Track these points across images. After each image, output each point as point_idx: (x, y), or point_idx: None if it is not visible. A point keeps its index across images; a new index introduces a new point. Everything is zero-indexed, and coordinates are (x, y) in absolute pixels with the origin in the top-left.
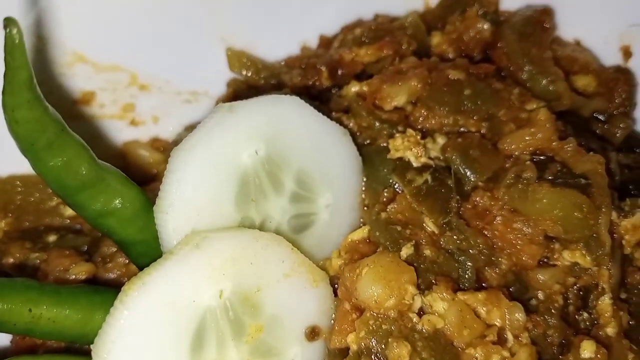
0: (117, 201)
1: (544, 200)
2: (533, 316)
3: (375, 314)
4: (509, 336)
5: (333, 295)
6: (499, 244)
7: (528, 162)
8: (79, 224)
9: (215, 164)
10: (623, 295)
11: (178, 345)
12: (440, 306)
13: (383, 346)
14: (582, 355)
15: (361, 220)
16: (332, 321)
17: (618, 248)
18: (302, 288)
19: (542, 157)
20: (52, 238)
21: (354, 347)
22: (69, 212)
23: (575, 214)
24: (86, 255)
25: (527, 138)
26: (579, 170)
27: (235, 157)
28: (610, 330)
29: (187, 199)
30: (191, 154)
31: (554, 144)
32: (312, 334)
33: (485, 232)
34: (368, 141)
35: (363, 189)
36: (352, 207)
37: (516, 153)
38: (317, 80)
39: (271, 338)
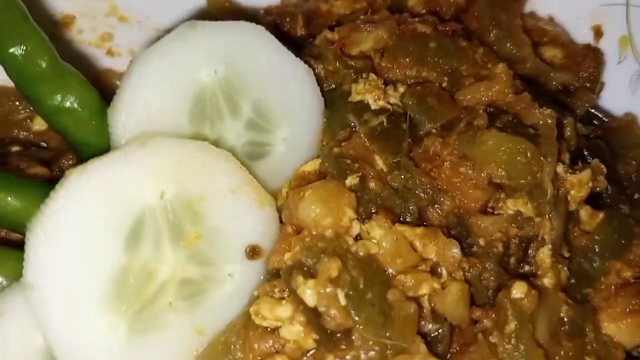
0: (74, 100)
1: (490, 143)
2: (471, 259)
3: (312, 233)
4: (443, 272)
5: (278, 221)
6: (445, 186)
7: (481, 112)
8: (44, 141)
9: (172, 74)
10: (566, 255)
11: (113, 236)
12: (377, 233)
13: (315, 261)
14: (512, 295)
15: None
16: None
17: (562, 202)
18: (248, 207)
19: (495, 109)
20: (15, 148)
21: (288, 263)
22: (36, 127)
23: (519, 158)
24: (46, 165)
25: (483, 90)
26: (529, 121)
27: (193, 72)
28: (547, 281)
29: (141, 104)
30: (149, 62)
31: (509, 97)
32: (253, 253)
33: (432, 175)
34: (333, 86)
35: (322, 129)
36: (310, 145)
37: (471, 104)
38: (292, 27)
39: (210, 249)
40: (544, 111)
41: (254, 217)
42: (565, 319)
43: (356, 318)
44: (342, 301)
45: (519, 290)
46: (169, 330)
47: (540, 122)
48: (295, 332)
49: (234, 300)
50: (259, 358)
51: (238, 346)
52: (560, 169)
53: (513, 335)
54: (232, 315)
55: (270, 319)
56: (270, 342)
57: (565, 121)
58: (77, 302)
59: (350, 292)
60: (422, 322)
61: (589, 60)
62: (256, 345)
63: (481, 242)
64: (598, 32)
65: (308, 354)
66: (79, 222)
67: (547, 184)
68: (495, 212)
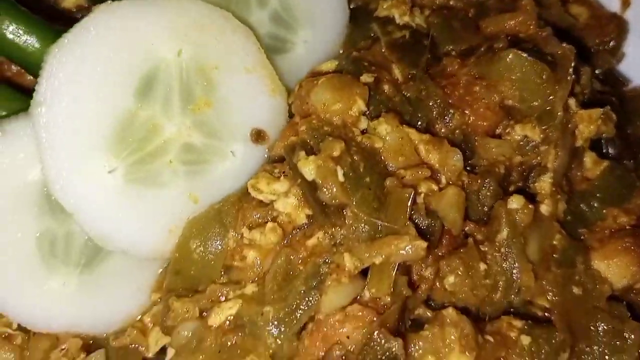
0: None
1: (507, 59)
2: (471, 175)
3: (320, 117)
4: (442, 179)
5: (287, 114)
6: (456, 103)
7: (502, 37)
8: None
9: None
10: (565, 190)
11: (127, 79)
12: (384, 129)
13: (319, 140)
14: (509, 206)
15: None
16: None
17: (570, 135)
18: (259, 91)
19: (516, 38)
20: None
21: (292, 140)
22: None
23: (534, 78)
24: None
25: (506, 20)
26: (548, 51)
27: None
28: (544, 208)
29: None
30: None
31: (531, 29)
32: (257, 137)
33: (446, 91)
34: (360, 4)
35: (344, 40)
36: (329, 53)
37: (494, 32)
38: None
39: (216, 121)
40: (564, 45)
41: (264, 102)
42: (557, 247)
43: (351, 196)
44: (340, 177)
45: (515, 201)
46: (165, 190)
47: (559, 52)
48: (289, 204)
49: (231, 178)
50: (250, 225)
51: (231, 214)
52: (571, 101)
53: (504, 244)
54: (228, 191)
55: (266, 193)
56: (263, 213)
57: (582, 69)
58: (80, 133)
59: (349, 173)
60: (415, 215)
61: (612, 26)
62: (248, 214)
63: (484, 163)
64: (625, 2)
65: (298, 230)
66: (96, 56)
67: (557, 108)
68: (502, 139)
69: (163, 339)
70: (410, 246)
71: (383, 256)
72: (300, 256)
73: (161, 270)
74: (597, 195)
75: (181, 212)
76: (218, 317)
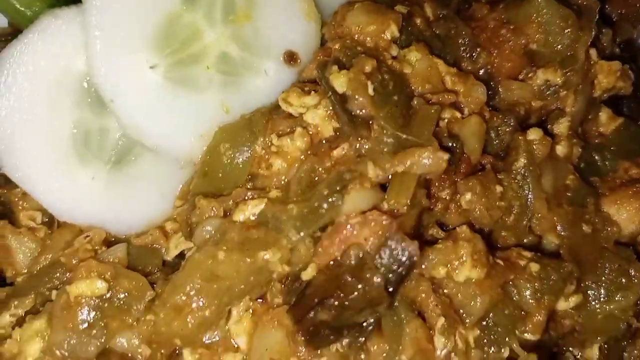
0: None
1: (536, 3)
2: (493, 112)
3: (354, 39)
4: (465, 110)
5: (319, 41)
6: (484, 44)
7: None
8: None
9: None
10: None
11: None
12: (414, 56)
13: (352, 58)
14: (528, 137)
15: None
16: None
17: (589, 84)
18: (295, 14)
19: None
20: None
21: (325, 59)
22: None
23: (560, 22)
24: None
25: None
26: (573, 1)
27: None
28: (560, 149)
29: None
30: None
31: None
32: (290, 58)
33: (474, 32)
34: None
35: None
36: None
37: None
38: None
39: (253, 36)
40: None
41: (299, 26)
42: (569, 187)
43: (379, 110)
44: (370, 91)
45: (534, 133)
46: (200, 94)
47: (584, 3)
48: (318, 115)
49: (262, 95)
50: (279, 133)
51: (260, 124)
52: (592, 52)
53: (520, 172)
54: (257, 106)
55: (296, 106)
56: (292, 123)
57: (604, 30)
58: (127, 27)
59: (379, 89)
60: (437, 135)
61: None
62: (277, 124)
63: (504, 104)
64: None
65: (325, 142)
66: None
67: (579, 54)
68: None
69: (183, 244)
70: (432, 157)
71: (405, 166)
72: (325, 165)
73: (187, 180)
74: (611, 148)
75: (213, 119)
76: (243, 214)
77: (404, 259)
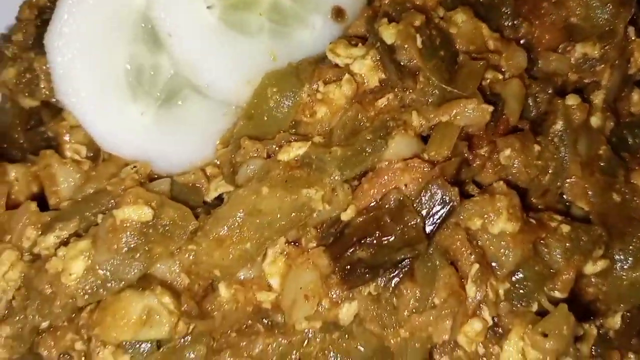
0: None
1: None
2: (532, 79)
3: None
4: (507, 75)
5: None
6: (526, 14)
7: None
8: None
9: None
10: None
11: None
12: (459, 18)
13: (401, 13)
14: (566, 102)
15: None
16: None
17: (625, 61)
18: None
19: None
20: None
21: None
22: None
23: None
24: None
25: None
26: None
27: None
28: (594, 120)
29: None
30: None
31: None
32: (337, 14)
33: (517, 3)
34: None
35: None
36: None
37: None
38: None
39: None
40: None
41: None
42: (602, 156)
43: (427, 62)
44: (419, 44)
45: (572, 99)
46: (251, 39)
47: None
48: (365, 65)
49: (309, 47)
50: (326, 80)
51: (308, 71)
52: (631, 29)
53: (558, 134)
54: (303, 57)
55: (343, 56)
56: (338, 73)
57: None
58: None
59: (427, 42)
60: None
61: None
62: (324, 73)
63: (542, 74)
64: None
65: (370, 94)
66: None
67: (618, 29)
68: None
69: (222, 187)
70: (477, 108)
71: (450, 116)
72: (369, 115)
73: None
74: None
75: (261, 65)
76: (287, 154)
77: (443, 203)
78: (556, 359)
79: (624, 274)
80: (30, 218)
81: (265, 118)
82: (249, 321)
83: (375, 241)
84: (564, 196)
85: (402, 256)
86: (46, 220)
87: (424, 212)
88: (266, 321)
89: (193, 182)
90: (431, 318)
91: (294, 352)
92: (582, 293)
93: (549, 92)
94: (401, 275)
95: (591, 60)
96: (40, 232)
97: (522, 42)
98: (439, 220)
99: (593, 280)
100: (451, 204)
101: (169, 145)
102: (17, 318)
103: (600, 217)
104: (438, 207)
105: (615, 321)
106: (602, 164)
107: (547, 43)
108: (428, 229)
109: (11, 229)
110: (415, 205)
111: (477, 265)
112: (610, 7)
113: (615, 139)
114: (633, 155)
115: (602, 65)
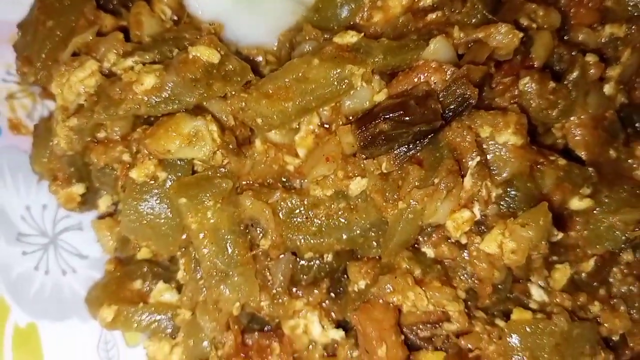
0: None
1: None
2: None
3: None
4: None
5: None
6: None
7: None
8: None
9: None
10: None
11: None
12: None
13: None
14: (586, 58)
15: None
16: None
17: None
18: None
19: None
20: None
21: None
22: None
23: None
24: None
25: None
26: None
27: None
28: (607, 88)
29: None
30: None
31: None
32: None
33: None
34: None
35: None
36: None
37: None
38: None
39: None
40: None
41: None
42: (607, 118)
43: None
44: None
45: (591, 57)
46: None
47: None
48: None
49: None
50: None
51: None
52: None
53: (572, 82)
54: None
55: None
56: None
57: None
58: None
59: None
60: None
61: None
62: None
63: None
64: None
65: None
66: None
67: None
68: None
69: (275, 65)
70: (509, 32)
71: (485, 34)
72: (418, 25)
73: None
74: None
75: None
76: (341, 38)
77: (462, 98)
78: (529, 249)
79: (604, 217)
80: (115, 44)
81: (329, 14)
82: (271, 180)
83: (397, 117)
84: (567, 145)
85: (419, 129)
86: (128, 49)
87: (445, 102)
88: (286, 182)
89: (254, 55)
90: (428, 191)
91: (303, 209)
92: (564, 237)
93: (573, 53)
94: (412, 152)
95: (616, 40)
96: (121, 57)
97: (559, 9)
98: (456, 111)
99: (577, 220)
100: (469, 100)
101: (244, 22)
102: (85, 114)
103: (594, 165)
104: (458, 101)
105: (590, 264)
106: (605, 124)
107: (581, 18)
108: (446, 115)
109: (97, 50)
110: (439, 97)
111: (477, 159)
112: None
113: (623, 114)
114: (637, 132)
115: (625, 46)
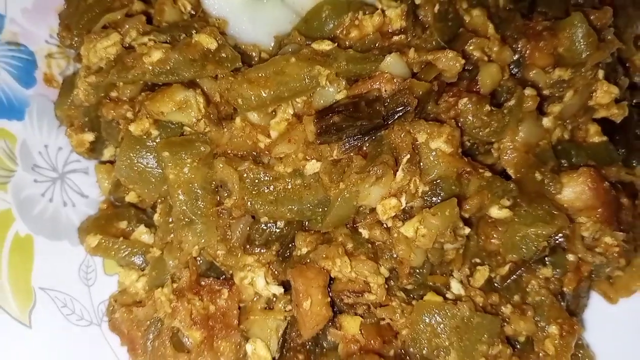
0: None
1: (575, 20)
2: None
3: None
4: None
5: None
6: (528, 35)
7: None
8: None
9: None
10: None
11: None
12: (475, 13)
13: None
14: (525, 91)
15: None
16: None
17: (588, 92)
18: None
19: None
20: None
21: None
22: None
23: (584, 37)
24: None
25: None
26: (603, 35)
27: None
28: (546, 122)
29: None
30: None
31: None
32: None
33: (525, 26)
34: None
35: None
36: None
37: None
38: None
39: None
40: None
41: None
42: (540, 146)
43: (437, 23)
44: (435, 9)
45: (529, 90)
46: None
47: (609, 37)
48: (395, 13)
49: None
50: (365, 12)
51: (355, 5)
52: (600, 72)
53: (507, 107)
54: None
55: (384, 3)
56: (373, 10)
57: (622, 77)
58: None
59: (442, 11)
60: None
61: None
62: (365, 9)
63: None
64: None
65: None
66: None
67: (589, 63)
68: None
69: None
70: (453, 58)
71: (434, 57)
72: (384, 44)
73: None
74: (587, 151)
75: None
76: (318, 45)
77: (403, 106)
78: (437, 235)
79: (520, 228)
80: (137, 24)
81: (315, 25)
82: (244, 152)
83: (348, 112)
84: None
85: (361, 123)
86: (147, 29)
87: (389, 107)
88: (256, 156)
89: (250, 51)
90: (362, 176)
91: (265, 180)
92: (487, 244)
93: (517, 86)
94: (358, 143)
95: (562, 82)
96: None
97: (516, 49)
98: (396, 115)
99: (499, 229)
100: (408, 107)
101: (246, 22)
102: (102, 74)
103: (519, 183)
104: (399, 107)
105: (505, 269)
106: (537, 150)
107: (535, 60)
108: (387, 116)
109: (123, 26)
110: (385, 102)
111: (409, 156)
112: (589, 48)
113: (561, 147)
114: (570, 166)
115: (569, 88)
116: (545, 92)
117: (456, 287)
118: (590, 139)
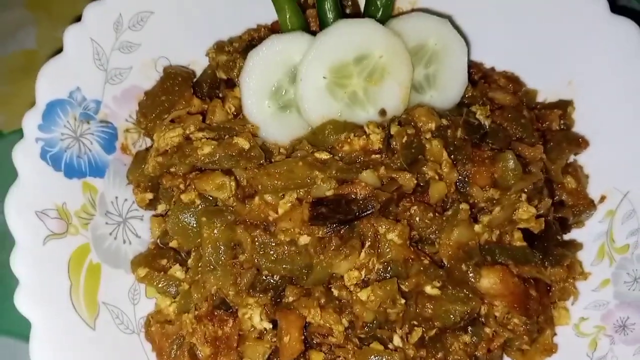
0: None
1: (507, 157)
2: (456, 191)
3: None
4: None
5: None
6: (474, 161)
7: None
8: None
9: None
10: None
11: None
12: (433, 143)
13: (406, 123)
14: (461, 206)
15: None
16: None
17: (511, 210)
18: (396, 94)
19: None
20: None
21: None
22: None
23: (513, 169)
24: None
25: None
26: (534, 168)
27: None
28: (477, 227)
29: None
30: None
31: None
32: (382, 113)
33: (473, 153)
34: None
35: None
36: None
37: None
38: None
39: (372, 93)
40: (545, 176)
41: (396, 99)
42: (469, 245)
43: (402, 150)
44: (403, 140)
45: (464, 205)
46: (335, 100)
47: (533, 170)
48: (375, 139)
49: (360, 119)
50: (357, 134)
51: (349, 128)
52: (524, 195)
53: (446, 216)
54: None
55: (371, 130)
56: (362, 132)
57: (546, 198)
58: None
59: (408, 141)
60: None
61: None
62: (358, 131)
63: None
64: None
65: (370, 150)
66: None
67: (516, 189)
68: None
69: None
70: (409, 179)
71: (396, 175)
72: (365, 159)
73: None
74: (509, 252)
75: (333, 115)
76: (319, 154)
77: (370, 207)
78: (381, 302)
79: (445, 304)
80: (195, 122)
81: (320, 138)
82: (257, 222)
83: (332, 207)
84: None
85: (340, 217)
86: (202, 126)
87: (361, 206)
88: (266, 226)
89: (272, 147)
90: (336, 253)
91: (270, 244)
92: (425, 310)
93: (457, 202)
94: (336, 230)
95: (493, 199)
96: (196, 129)
97: (463, 172)
98: (365, 213)
99: (430, 304)
100: (372, 209)
101: (273, 127)
102: (167, 157)
103: (448, 270)
104: (368, 208)
105: (433, 332)
106: (466, 248)
107: (476, 180)
108: (357, 214)
109: (185, 121)
110: (358, 203)
111: (370, 242)
112: (515, 178)
113: (487, 247)
114: (493, 262)
115: (497, 205)
116: (482, 204)
117: (396, 341)
118: (514, 243)
